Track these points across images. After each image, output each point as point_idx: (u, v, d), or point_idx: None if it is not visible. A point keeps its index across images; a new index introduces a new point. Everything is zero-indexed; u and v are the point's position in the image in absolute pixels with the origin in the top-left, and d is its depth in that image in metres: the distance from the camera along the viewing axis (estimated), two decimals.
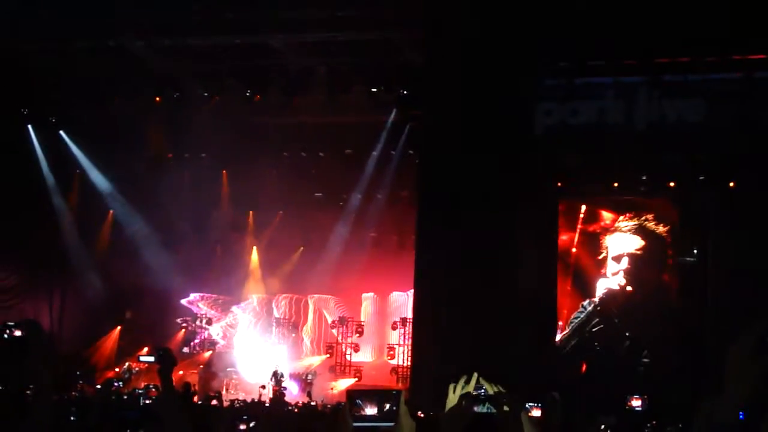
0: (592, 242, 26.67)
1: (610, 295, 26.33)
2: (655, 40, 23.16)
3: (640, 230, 26.32)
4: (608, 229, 26.63)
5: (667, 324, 25.57)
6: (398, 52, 26.69)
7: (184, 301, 33.90)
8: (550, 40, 23.57)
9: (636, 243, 26.32)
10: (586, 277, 26.66)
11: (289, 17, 25.34)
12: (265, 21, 25.60)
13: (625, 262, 26.30)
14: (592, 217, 26.82)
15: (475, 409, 5.05)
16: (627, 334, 25.89)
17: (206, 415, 15.74)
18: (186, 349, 33.46)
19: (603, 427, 15.57)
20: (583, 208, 26.67)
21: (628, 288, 26.32)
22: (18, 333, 23.82)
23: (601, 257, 26.54)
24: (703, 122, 23.75)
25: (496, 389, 4.93)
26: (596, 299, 26.40)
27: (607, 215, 26.71)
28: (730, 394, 3.46)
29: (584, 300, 26.44)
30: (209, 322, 34.17)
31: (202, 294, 34.18)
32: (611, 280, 26.40)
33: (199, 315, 34.12)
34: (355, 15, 24.83)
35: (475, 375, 4.99)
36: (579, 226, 26.68)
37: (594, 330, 26.26)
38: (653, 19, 22.41)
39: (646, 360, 25.05)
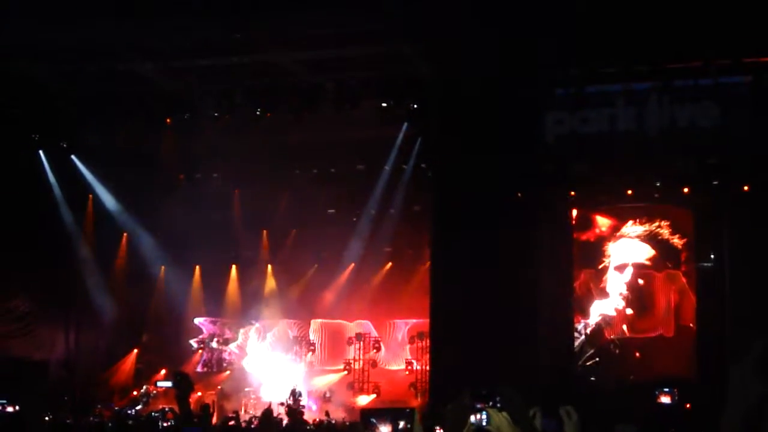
0: (587, 253, 26.35)
1: (606, 323, 25.96)
2: (665, 45, 23.05)
3: (650, 238, 25.97)
4: (605, 238, 26.24)
5: (675, 355, 25.19)
6: (407, 66, 26.60)
7: (197, 321, 33.86)
8: (560, 49, 23.48)
9: (644, 252, 25.94)
10: (578, 293, 26.30)
11: (297, 34, 25.29)
12: (273, 39, 25.56)
13: (629, 273, 25.93)
14: (586, 223, 26.46)
15: (472, 419, 4.97)
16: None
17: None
18: (203, 370, 33.39)
19: None
20: (574, 213, 26.31)
21: (629, 311, 25.96)
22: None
23: (601, 266, 26.23)
24: (715, 126, 23.61)
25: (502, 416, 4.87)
26: (591, 325, 26.00)
27: (603, 221, 26.34)
28: (731, 411, 3.42)
29: (579, 320, 26.11)
30: (226, 342, 34.10)
31: (215, 317, 34.15)
32: (607, 302, 25.97)
33: (215, 336, 34.07)
34: (363, 30, 24.76)
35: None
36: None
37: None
38: (663, 24, 22.29)
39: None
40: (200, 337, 34.04)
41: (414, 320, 32.14)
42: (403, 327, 33.02)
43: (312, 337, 33.69)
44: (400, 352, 32.87)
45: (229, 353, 34.18)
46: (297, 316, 33.71)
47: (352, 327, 33.30)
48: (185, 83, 28.75)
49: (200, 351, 34.00)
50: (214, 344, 34.02)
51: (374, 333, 32.99)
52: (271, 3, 23.89)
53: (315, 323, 33.66)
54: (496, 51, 23.69)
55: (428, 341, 28.51)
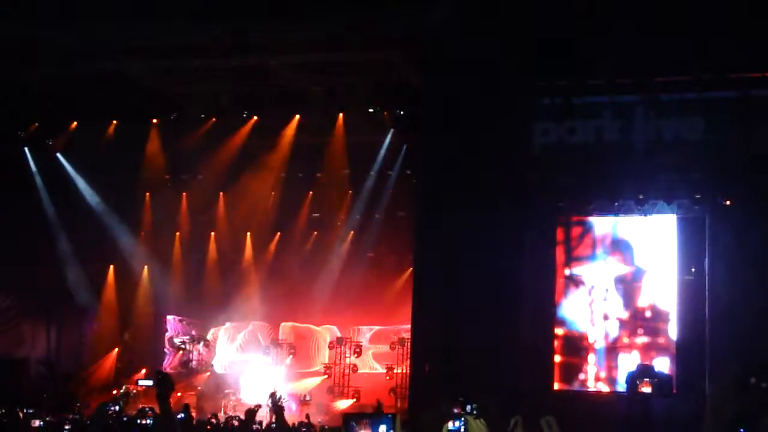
0: (567, 260, 26.49)
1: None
2: (652, 59, 23.14)
3: (625, 247, 26.14)
4: (584, 248, 26.34)
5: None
6: (395, 73, 26.68)
7: (170, 318, 33.90)
8: (548, 60, 23.55)
9: (620, 268, 26.07)
10: (559, 301, 26.39)
11: (286, 39, 25.33)
12: (263, 43, 25.59)
13: (605, 291, 26.05)
14: (568, 232, 26.56)
15: (450, 426, 5.03)
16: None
17: None
18: (183, 371, 33.35)
19: None
20: (559, 222, 26.40)
21: (610, 324, 26.09)
22: None
23: (580, 285, 26.31)
24: (701, 141, 23.71)
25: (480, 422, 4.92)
26: None
27: (585, 230, 26.45)
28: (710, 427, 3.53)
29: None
30: (206, 344, 34.09)
31: (194, 317, 34.17)
32: (585, 320, 26.13)
33: (195, 337, 34.06)
34: (352, 36, 24.82)
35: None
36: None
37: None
38: (650, 38, 22.40)
39: None
40: (169, 335, 34.03)
41: (378, 327, 32.43)
42: (367, 333, 33.16)
43: (292, 339, 33.75)
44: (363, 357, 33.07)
45: (199, 353, 34.19)
46: (271, 318, 33.72)
47: (320, 331, 33.46)
48: (173, 84, 28.75)
49: (180, 351, 33.97)
50: (194, 345, 34.02)
51: (331, 337, 33.27)
52: (262, 7, 23.91)
53: (285, 326, 33.73)
54: (484, 60, 23.76)
55: (409, 347, 28.56)
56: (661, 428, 21.93)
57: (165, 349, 34.05)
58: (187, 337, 34.11)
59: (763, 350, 21.62)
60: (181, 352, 33.99)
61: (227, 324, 34.04)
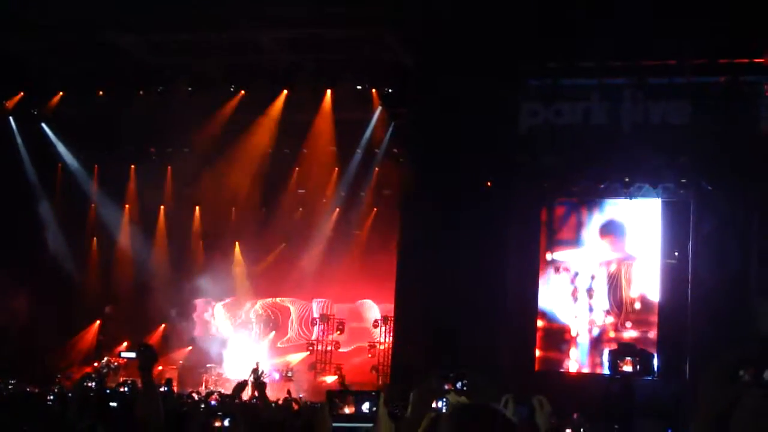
0: (550, 241, 26.36)
1: None
2: (641, 43, 23.15)
3: (611, 230, 26.04)
4: (569, 229, 26.22)
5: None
6: (384, 50, 26.63)
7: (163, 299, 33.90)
8: (536, 42, 23.54)
9: (605, 253, 25.95)
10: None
11: (276, 13, 25.25)
12: (252, 16, 25.50)
13: (590, 277, 25.85)
14: (553, 212, 26.52)
15: (434, 406, 5.00)
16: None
17: (181, 409, 15.62)
18: (165, 344, 33.33)
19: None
20: (544, 203, 26.32)
21: (595, 312, 25.88)
22: None
23: (562, 268, 26.17)
24: (688, 125, 23.74)
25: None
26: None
27: (571, 212, 26.35)
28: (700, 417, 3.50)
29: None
30: (189, 318, 34.05)
31: (181, 292, 34.13)
32: (571, 306, 25.97)
33: (179, 311, 34.01)
34: (341, 12, 24.76)
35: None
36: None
37: None
38: (639, 22, 22.39)
39: None
40: (162, 311, 34.04)
41: (348, 304, 32.52)
42: (346, 310, 33.24)
43: (275, 315, 33.79)
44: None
45: (192, 329, 34.17)
46: (254, 293, 33.74)
47: (301, 307, 33.52)
48: (160, 56, 28.64)
49: (163, 325, 33.93)
50: (177, 319, 34.01)
51: (314, 314, 33.28)
52: None
53: (265, 302, 33.78)
54: (473, 40, 23.74)
55: (392, 325, 28.60)
56: (643, 409, 21.98)
57: (162, 324, 34.03)
58: (172, 311, 34.07)
59: (744, 334, 21.70)
60: (162, 325, 33.94)
61: (208, 299, 33.99)
